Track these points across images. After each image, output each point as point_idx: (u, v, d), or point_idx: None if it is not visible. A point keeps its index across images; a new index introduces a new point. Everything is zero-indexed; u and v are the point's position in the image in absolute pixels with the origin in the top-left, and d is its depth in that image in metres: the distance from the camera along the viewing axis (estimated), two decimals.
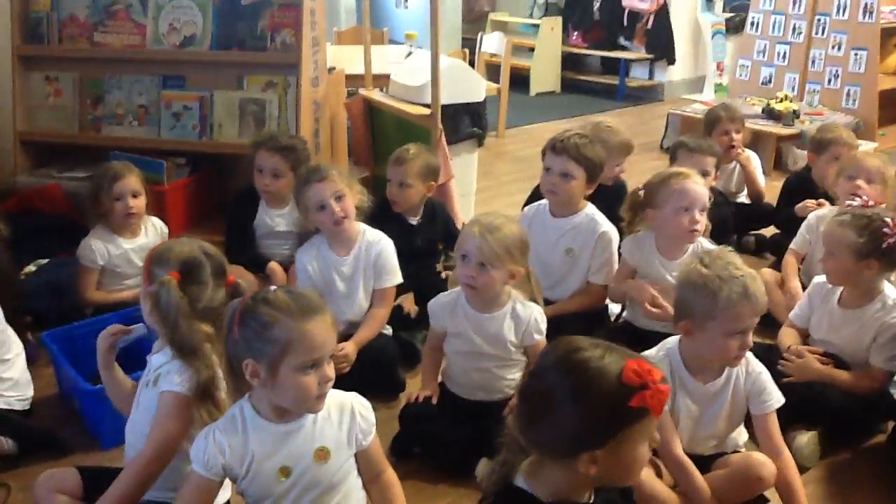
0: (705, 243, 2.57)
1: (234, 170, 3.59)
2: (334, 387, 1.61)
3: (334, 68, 3.99)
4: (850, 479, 2.23)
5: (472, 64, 5.86)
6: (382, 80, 4.13)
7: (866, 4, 5.35)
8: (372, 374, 2.43)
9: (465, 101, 3.73)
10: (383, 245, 2.60)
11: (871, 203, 2.48)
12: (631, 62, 7.38)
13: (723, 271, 1.89)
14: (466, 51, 5.59)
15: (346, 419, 1.64)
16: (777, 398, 2.00)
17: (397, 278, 2.60)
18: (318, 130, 3.65)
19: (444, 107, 3.54)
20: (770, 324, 2.93)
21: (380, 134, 4.07)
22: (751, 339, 1.91)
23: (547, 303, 2.64)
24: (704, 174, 3.18)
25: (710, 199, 3.24)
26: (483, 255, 2.11)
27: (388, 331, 2.64)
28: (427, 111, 3.50)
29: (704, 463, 2.02)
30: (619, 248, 2.75)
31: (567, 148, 2.69)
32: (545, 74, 7.57)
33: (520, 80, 7.40)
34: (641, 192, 2.64)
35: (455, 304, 2.25)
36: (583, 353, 1.32)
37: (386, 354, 2.51)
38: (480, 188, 4.45)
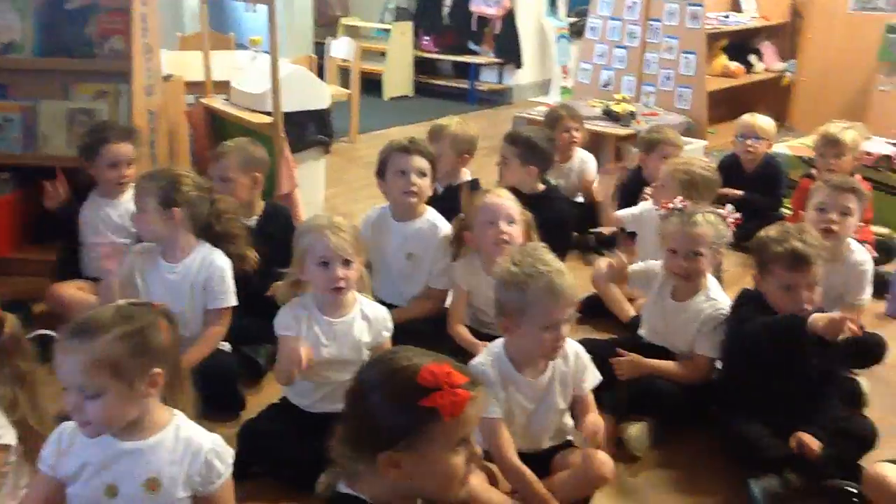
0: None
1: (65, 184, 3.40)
2: None
3: (171, 76, 3.85)
4: (682, 462, 2.35)
5: (321, 69, 5.80)
6: (226, 88, 4.02)
7: (693, 11, 5.68)
8: (210, 391, 2.31)
9: (309, 108, 3.69)
10: (216, 267, 2.51)
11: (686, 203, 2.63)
12: (481, 66, 7.51)
13: (530, 268, 1.96)
14: (314, 56, 5.52)
15: (187, 459, 1.60)
16: (595, 377, 2.12)
17: (232, 299, 2.52)
18: (155, 141, 3.50)
19: (288, 114, 3.49)
20: (604, 317, 3.08)
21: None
22: (565, 330, 1.97)
23: (390, 307, 2.66)
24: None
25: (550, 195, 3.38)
26: (346, 251, 2.14)
27: (227, 347, 2.56)
28: (269, 119, 3.44)
29: (544, 459, 2.09)
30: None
31: (419, 147, 2.79)
32: (398, 79, 7.60)
33: (374, 84, 7.40)
34: (463, 219, 2.71)
35: (309, 314, 2.21)
36: (398, 352, 1.37)
37: (225, 370, 2.44)
38: (331, 195, 4.42)
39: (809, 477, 2.16)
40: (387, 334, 2.27)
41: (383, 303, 2.71)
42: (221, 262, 2.52)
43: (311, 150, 3.80)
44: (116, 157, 2.97)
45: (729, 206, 2.64)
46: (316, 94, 3.75)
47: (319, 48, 6.59)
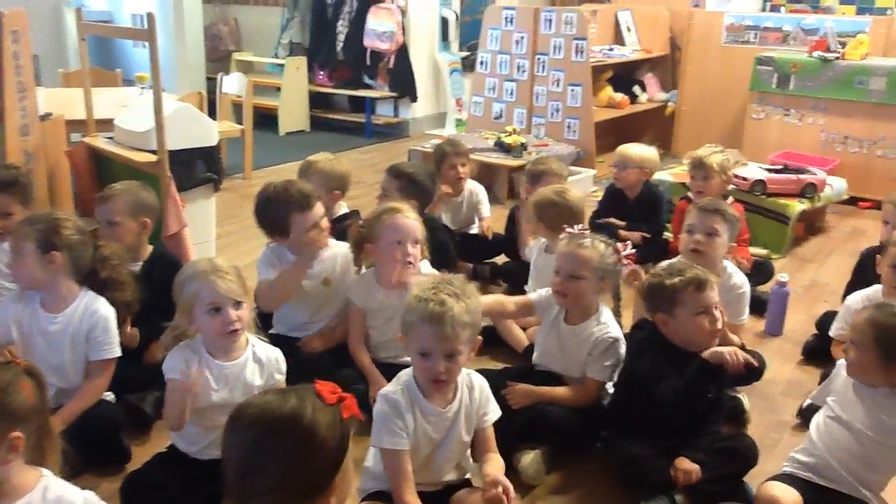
0: None
1: None
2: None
3: (50, 114, 3.71)
4: (576, 488, 2.39)
5: (213, 105, 5.72)
6: (112, 126, 3.89)
7: (577, 45, 5.87)
8: (92, 444, 2.23)
9: (197, 146, 3.61)
10: (100, 316, 2.41)
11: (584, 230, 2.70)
12: (376, 100, 7.55)
13: (425, 292, 1.97)
14: (202, 92, 5.43)
15: None
16: (496, 411, 2.13)
17: (116, 350, 2.43)
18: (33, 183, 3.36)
19: (175, 152, 3.41)
20: (499, 347, 3.11)
21: (108, 183, 3.81)
22: (441, 365, 1.93)
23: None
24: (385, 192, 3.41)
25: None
26: (236, 293, 2.11)
27: (110, 397, 2.46)
28: (154, 158, 3.35)
29: (443, 496, 2.08)
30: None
31: (317, 198, 2.81)
32: (293, 114, 7.55)
33: (269, 119, 7.35)
34: (362, 228, 2.74)
35: (199, 357, 2.15)
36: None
37: (107, 422, 2.34)
38: (224, 233, 4.33)
39: (698, 497, 2.23)
40: (280, 377, 2.22)
41: (289, 339, 2.75)
42: (105, 312, 2.42)
43: (200, 189, 3.71)
44: None
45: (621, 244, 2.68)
46: (203, 131, 3.67)
47: (212, 84, 6.50)
